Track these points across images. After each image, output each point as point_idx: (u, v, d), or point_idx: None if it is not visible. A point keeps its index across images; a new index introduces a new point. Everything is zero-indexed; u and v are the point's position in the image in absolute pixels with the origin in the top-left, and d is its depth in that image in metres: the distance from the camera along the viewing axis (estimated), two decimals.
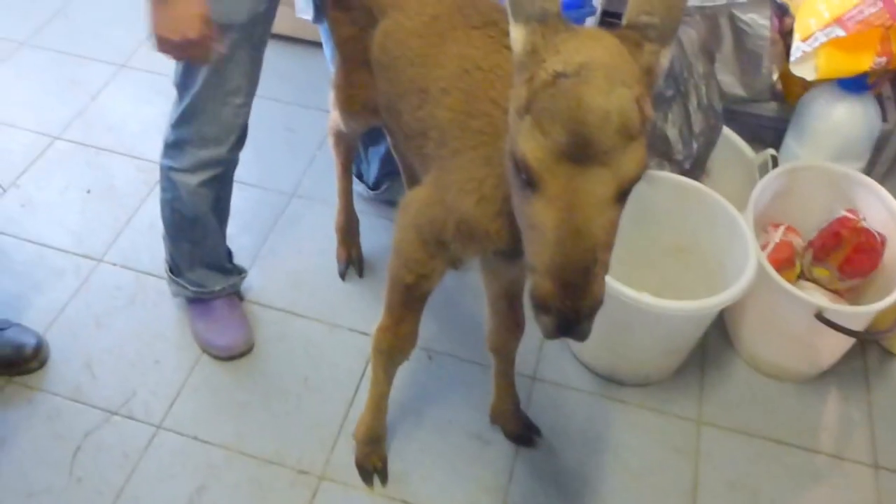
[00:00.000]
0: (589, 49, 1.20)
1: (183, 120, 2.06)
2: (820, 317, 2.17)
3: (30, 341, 2.33)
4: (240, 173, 2.74)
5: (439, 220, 1.67)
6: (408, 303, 1.88)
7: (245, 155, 2.62)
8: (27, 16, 3.57)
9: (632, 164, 1.18)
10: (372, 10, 1.94)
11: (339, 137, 2.43)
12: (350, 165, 2.55)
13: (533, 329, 2.37)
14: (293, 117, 3.14)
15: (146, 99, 3.10)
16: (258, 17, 1.94)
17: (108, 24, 3.55)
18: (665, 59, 1.25)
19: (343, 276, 2.63)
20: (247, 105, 2.08)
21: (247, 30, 1.93)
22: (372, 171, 2.74)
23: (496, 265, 1.87)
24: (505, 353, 2.14)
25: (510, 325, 2.06)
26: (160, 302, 2.52)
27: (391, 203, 2.74)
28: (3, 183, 2.22)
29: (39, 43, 3.45)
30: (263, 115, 3.05)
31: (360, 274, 2.64)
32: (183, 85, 2.02)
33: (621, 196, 1.20)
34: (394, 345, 1.96)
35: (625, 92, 1.16)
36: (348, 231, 2.62)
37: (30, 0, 3.66)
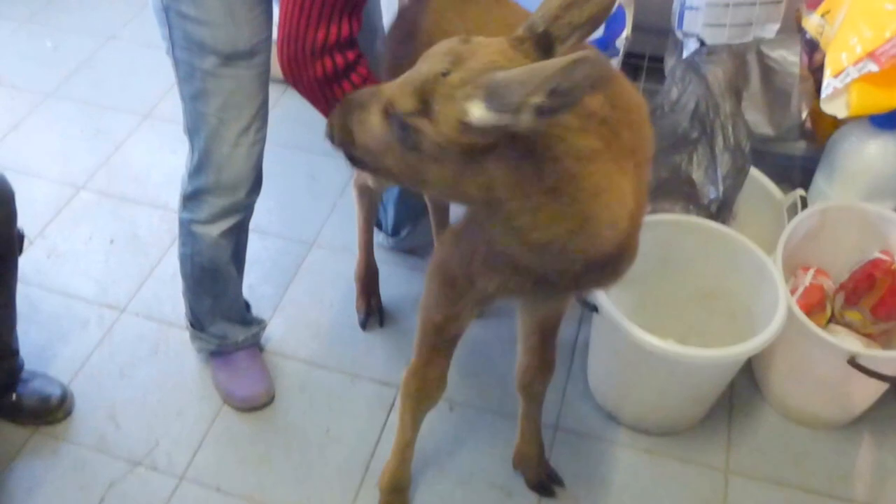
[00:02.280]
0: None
1: (199, 169, 2.10)
2: (853, 362, 2.15)
3: (55, 392, 2.39)
4: (261, 222, 2.80)
5: (467, 256, 1.69)
6: (437, 345, 1.91)
7: (266, 203, 2.67)
8: (54, 67, 3.68)
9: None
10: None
11: (364, 190, 2.48)
12: (373, 218, 2.60)
13: (557, 377, 2.41)
14: (315, 165, 3.21)
15: (170, 148, 3.21)
16: (260, 45, 1.98)
17: (132, 76, 3.65)
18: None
19: (364, 325, 2.65)
20: (258, 143, 2.10)
21: (250, 58, 1.97)
22: (389, 215, 2.78)
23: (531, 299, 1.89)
24: (533, 392, 2.15)
25: (540, 363, 2.07)
26: (182, 352, 2.57)
27: (411, 252, 2.81)
28: (29, 234, 2.31)
29: (65, 94, 3.56)
30: (285, 163, 3.17)
31: (381, 323, 2.66)
32: (194, 130, 2.06)
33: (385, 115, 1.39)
34: (421, 389, 1.98)
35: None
36: (368, 281, 2.66)
37: (56, 52, 3.78)
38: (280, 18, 1.69)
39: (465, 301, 1.78)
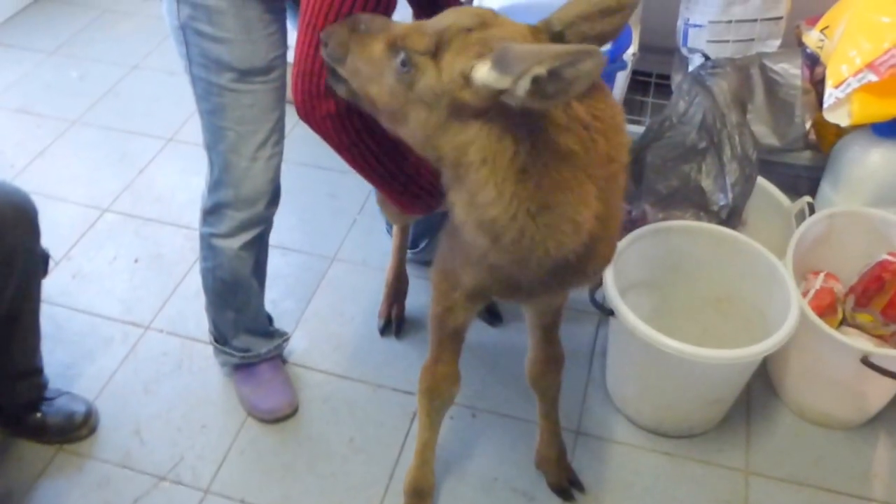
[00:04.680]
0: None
1: (218, 183, 2.04)
2: (866, 361, 2.09)
3: (79, 409, 2.30)
4: (283, 239, 2.79)
5: (453, 250, 1.69)
6: (442, 340, 1.88)
7: (288, 220, 2.64)
8: (79, 96, 3.63)
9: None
10: None
11: None
12: (409, 227, 2.54)
13: (576, 383, 2.35)
14: (334, 183, 3.13)
15: (193, 170, 3.11)
16: (276, 61, 1.92)
17: (156, 101, 3.60)
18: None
19: (382, 332, 2.58)
20: (276, 157, 2.04)
21: (266, 73, 1.92)
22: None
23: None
24: (544, 387, 2.09)
25: (545, 357, 2.02)
26: (206, 367, 2.49)
27: (429, 264, 2.69)
28: (54, 256, 2.23)
29: (90, 121, 3.49)
30: (306, 181, 3.13)
31: (397, 334, 2.58)
32: (212, 145, 2.01)
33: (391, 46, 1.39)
34: (431, 385, 1.93)
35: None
36: (396, 288, 2.58)
37: (81, 82, 3.73)
38: (295, 54, 1.62)
39: (457, 294, 1.75)
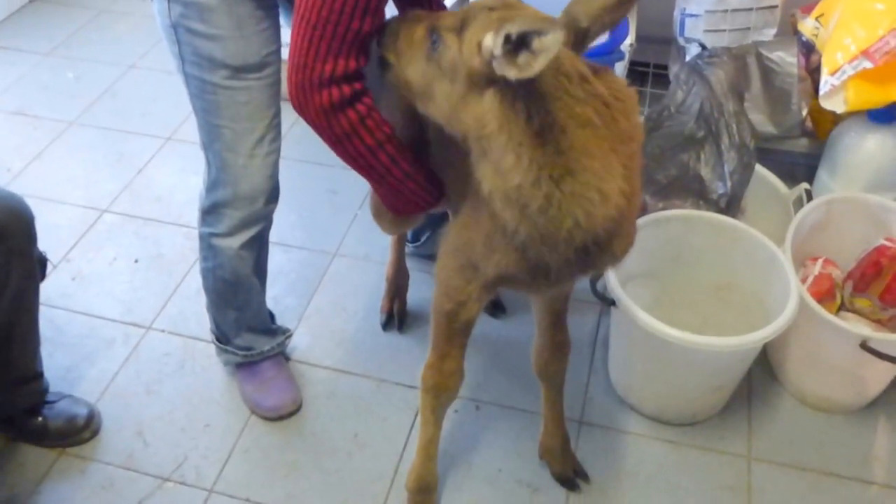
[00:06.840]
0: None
1: (216, 182, 2.02)
2: (865, 346, 2.07)
3: (81, 412, 2.27)
4: (284, 235, 2.77)
5: (471, 241, 1.67)
6: (450, 335, 1.84)
7: (289, 217, 2.62)
8: (75, 97, 3.59)
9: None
10: None
11: None
12: None
13: (579, 373, 2.34)
14: (335, 179, 3.10)
15: (192, 169, 3.07)
16: (269, 57, 1.91)
17: (153, 102, 3.56)
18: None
19: (384, 326, 2.56)
20: (273, 153, 2.02)
21: (260, 70, 1.90)
22: None
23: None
24: (550, 374, 2.07)
25: (553, 345, 2.01)
26: (208, 366, 2.46)
27: (431, 258, 2.67)
28: (53, 258, 2.19)
29: (87, 122, 3.45)
30: (306, 178, 3.11)
31: (400, 328, 2.56)
32: (209, 143, 1.98)
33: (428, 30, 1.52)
34: (439, 382, 1.90)
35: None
36: (397, 283, 2.56)
37: (78, 82, 3.69)
38: (290, 47, 1.60)
39: (472, 287, 1.74)
